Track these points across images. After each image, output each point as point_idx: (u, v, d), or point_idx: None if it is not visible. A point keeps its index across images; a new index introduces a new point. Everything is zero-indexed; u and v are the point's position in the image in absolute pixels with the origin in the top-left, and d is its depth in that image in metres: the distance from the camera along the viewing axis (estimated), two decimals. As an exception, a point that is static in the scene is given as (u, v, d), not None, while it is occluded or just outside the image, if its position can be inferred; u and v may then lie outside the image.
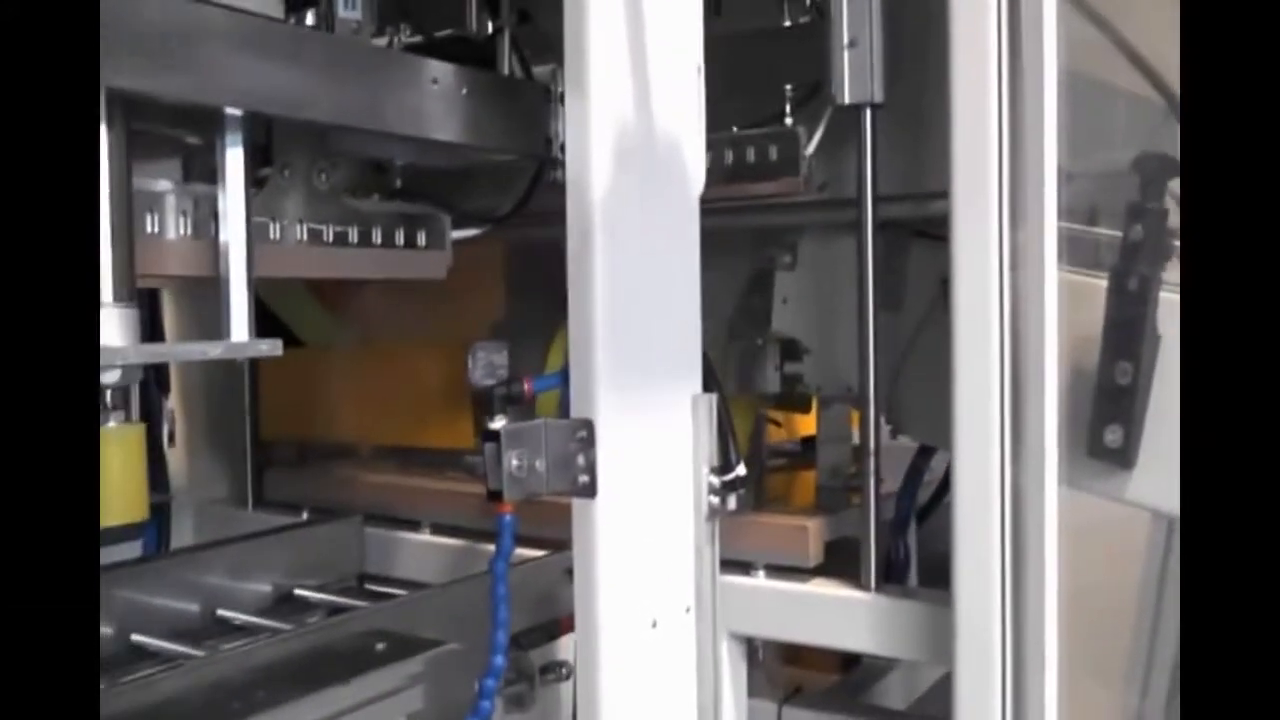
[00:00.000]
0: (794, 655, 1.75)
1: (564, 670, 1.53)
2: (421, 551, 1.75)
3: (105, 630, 1.38)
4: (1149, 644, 1.46)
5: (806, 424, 2.05)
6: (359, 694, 1.09)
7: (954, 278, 1.30)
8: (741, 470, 1.30)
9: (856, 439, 2.00)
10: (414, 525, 1.77)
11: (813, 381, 1.74)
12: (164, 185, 1.12)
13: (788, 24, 1.60)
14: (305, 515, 1.85)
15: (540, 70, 1.43)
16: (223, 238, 1.09)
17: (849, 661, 1.79)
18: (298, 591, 1.59)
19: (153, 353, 1.00)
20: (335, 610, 1.59)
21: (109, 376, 1.01)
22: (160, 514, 1.76)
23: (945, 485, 1.78)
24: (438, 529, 1.76)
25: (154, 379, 1.74)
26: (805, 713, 1.53)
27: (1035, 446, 1.26)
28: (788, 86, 1.52)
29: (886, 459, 1.85)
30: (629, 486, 1.20)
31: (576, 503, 1.18)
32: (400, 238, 1.31)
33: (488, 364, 1.93)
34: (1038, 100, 1.27)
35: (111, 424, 1.04)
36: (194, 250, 1.12)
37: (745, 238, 1.70)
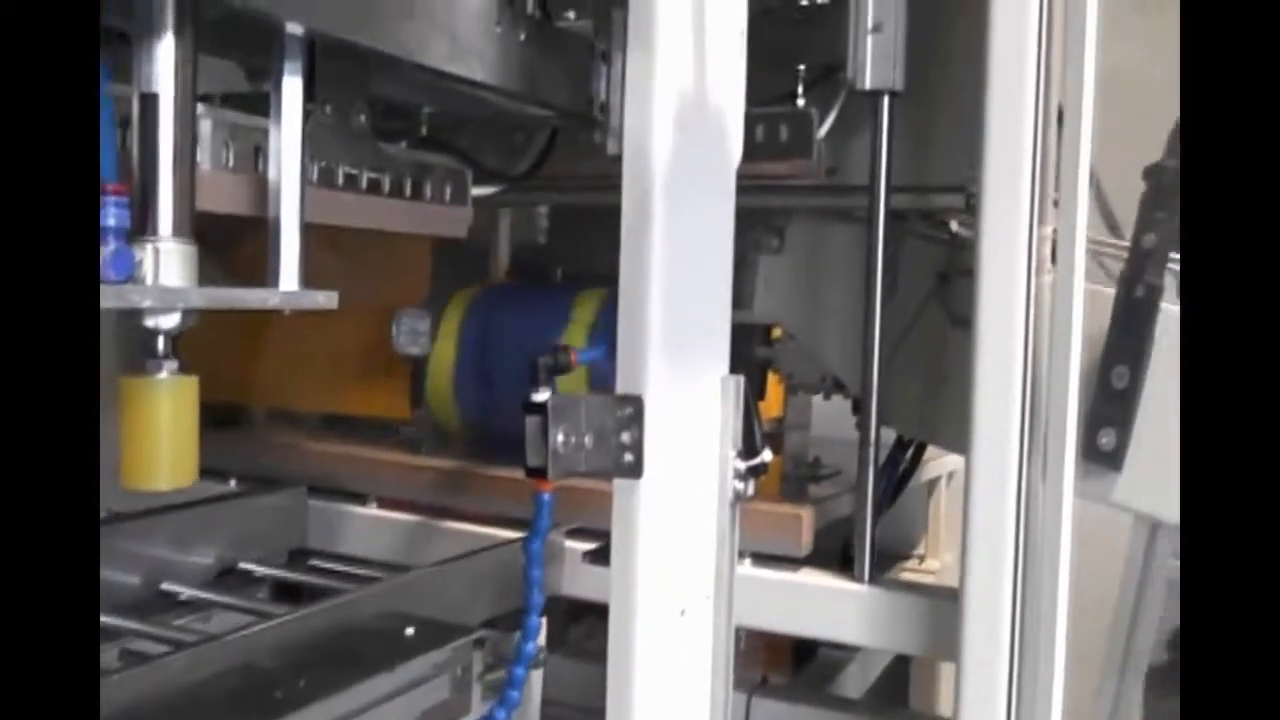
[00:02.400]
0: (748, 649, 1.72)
1: (541, 656, 1.46)
2: (368, 526, 1.64)
3: (44, 603, 1.24)
4: (1125, 642, 1.50)
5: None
6: (397, 683, 1.00)
7: (979, 276, 1.29)
8: (767, 455, 1.26)
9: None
10: (359, 498, 1.67)
11: (785, 368, 1.72)
12: (198, 109, 1.00)
13: (804, 3, 1.56)
14: (233, 484, 1.71)
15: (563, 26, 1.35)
16: (272, 174, 0.98)
17: (800, 656, 1.78)
18: (241, 565, 1.47)
19: (214, 298, 0.89)
20: (281, 586, 1.48)
21: (167, 321, 0.89)
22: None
23: (905, 476, 1.80)
24: (384, 503, 1.67)
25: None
26: (774, 703, 1.51)
27: (1055, 450, 1.26)
28: (800, 67, 1.49)
29: (833, 449, 1.85)
30: (670, 468, 1.14)
31: (619, 483, 1.12)
32: (429, 190, 1.21)
33: (411, 331, 1.85)
34: (1076, 97, 1.26)
35: (164, 374, 0.92)
36: (236, 186, 1.00)
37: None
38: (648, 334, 1.11)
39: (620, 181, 1.12)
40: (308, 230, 1.18)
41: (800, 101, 1.48)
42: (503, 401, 1.70)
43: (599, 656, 1.14)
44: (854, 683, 1.69)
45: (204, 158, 0.99)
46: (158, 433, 0.92)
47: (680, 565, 1.18)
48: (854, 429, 1.77)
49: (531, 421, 1.09)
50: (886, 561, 2.07)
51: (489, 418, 1.77)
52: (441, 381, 1.81)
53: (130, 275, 0.85)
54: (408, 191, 1.18)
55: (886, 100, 1.40)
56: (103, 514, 1.64)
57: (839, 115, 1.48)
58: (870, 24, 1.39)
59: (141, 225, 0.88)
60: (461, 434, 1.82)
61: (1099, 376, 1.37)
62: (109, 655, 1.23)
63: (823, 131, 1.46)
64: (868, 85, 1.40)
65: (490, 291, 1.86)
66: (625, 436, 1.11)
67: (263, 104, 1.01)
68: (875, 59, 1.40)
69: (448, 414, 1.80)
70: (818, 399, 1.85)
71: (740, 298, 1.70)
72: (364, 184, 1.13)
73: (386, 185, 1.15)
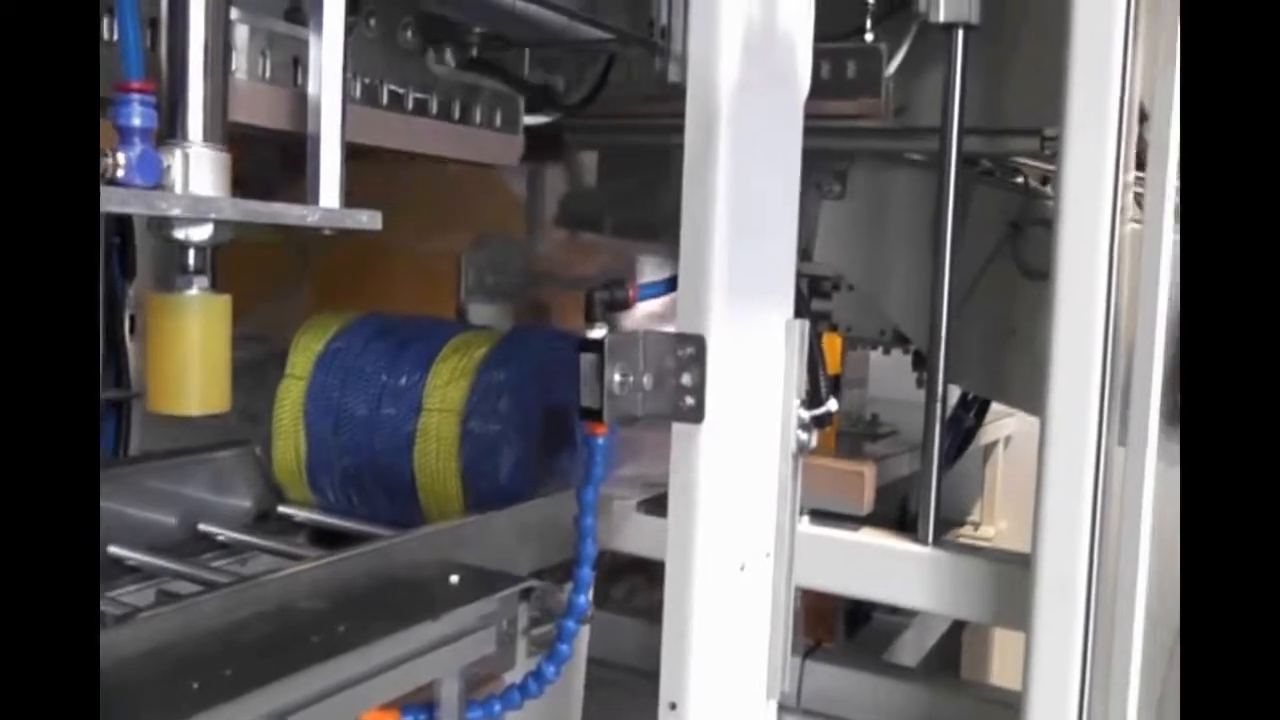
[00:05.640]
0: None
1: (589, 612, 1.40)
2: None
3: (76, 542, 1.20)
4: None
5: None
6: (442, 632, 0.94)
7: (1059, 225, 1.20)
8: (832, 405, 1.19)
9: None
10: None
11: (842, 321, 1.65)
12: (233, 14, 0.93)
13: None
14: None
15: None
16: (312, 89, 0.91)
17: (853, 622, 1.71)
18: (281, 509, 1.42)
19: (248, 210, 0.82)
20: (320, 532, 1.43)
21: (198, 233, 0.83)
22: (119, 412, 1.55)
23: (969, 435, 1.73)
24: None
25: (118, 258, 1.53)
26: (829, 668, 1.45)
27: (1139, 411, 1.18)
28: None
29: (888, 407, 1.78)
30: (732, 414, 1.07)
31: (678, 429, 1.05)
32: (478, 115, 1.14)
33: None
34: (1171, 31, 1.17)
35: (194, 290, 0.86)
36: (273, 98, 0.94)
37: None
38: (710, 269, 1.04)
39: (682, 119, 1.05)
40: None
41: (869, 36, 1.39)
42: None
43: (646, 613, 1.08)
44: (909, 650, 1.62)
45: (240, 67, 0.92)
46: (186, 353, 0.85)
47: (741, 518, 1.12)
48: (908, 388, 1.71)
49: (586, 360, 1.03)
50: (940, 527, 2.00)
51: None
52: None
53: (158, 181, 0.78)
54: (456, 114, 1.11)
55: (961, 34, 1.32)
56: (136, 453, 1.60)
57: (908, 52, 1.40)
58: (945, -48, 1.31)
59: (170, 129, 0.82)
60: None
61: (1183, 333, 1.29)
62: (146, 595, 1.18)
63: (892, 68, 1.38)
64: (942, 17, 1.32)
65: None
66: (686, 378, 1.05)
67: (301, 14, 0.95)
68: (952, -10, 1.31)
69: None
70: (875, 355, 1.78)
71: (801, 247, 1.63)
72: (410, 104, 1.06)
73: (434, 107, 1.09)
